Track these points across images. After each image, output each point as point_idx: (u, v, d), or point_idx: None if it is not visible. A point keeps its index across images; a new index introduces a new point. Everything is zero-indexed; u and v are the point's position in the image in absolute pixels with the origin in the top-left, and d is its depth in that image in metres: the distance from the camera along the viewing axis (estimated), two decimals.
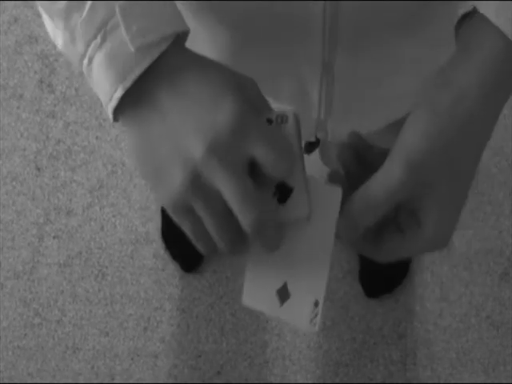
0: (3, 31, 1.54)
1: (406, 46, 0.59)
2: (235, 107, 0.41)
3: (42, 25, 1.54)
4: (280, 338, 1.39)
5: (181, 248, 1.40)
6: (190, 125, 0.41)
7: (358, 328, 1.39)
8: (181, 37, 0.44)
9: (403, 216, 0.46)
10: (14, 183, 1.47)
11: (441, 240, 0.45)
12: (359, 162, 0.49)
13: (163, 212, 1.42)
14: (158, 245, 1.43)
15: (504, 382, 1.37)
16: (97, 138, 1.49)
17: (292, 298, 0.45)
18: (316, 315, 0.46)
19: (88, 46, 0.43)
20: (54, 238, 1.44)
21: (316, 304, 0.46)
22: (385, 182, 0.43)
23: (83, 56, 0.43)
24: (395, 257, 0.46)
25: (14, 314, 1.42)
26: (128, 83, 0.42)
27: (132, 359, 1.39)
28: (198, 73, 0.43)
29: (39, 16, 1.55)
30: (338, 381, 1.37)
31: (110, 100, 0.43)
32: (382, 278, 1.39)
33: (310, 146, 0.82)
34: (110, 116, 0.44)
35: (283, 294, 0.46)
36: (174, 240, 1.41)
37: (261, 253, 0.45)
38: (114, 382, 1.39)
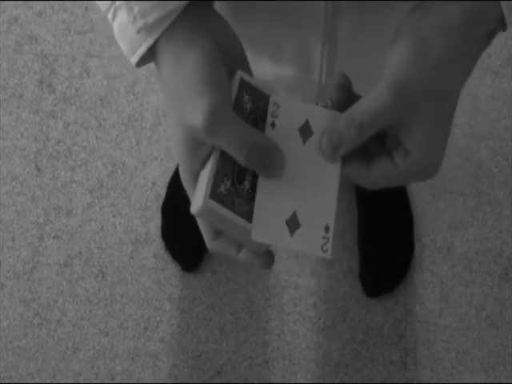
0: (3, 31, 1.54)
1: (407, 9, 0.59)
2: (209, 110, 0.42)
3: (42, 25, 1.54)
4: (280, 338, 1.39)
5: (181, 248, 1.40)
6: (173, 108, 0.45)
7: (358, 328, 1.39)
8: (190, 6, 0.46)
9: (391, 144, 0.46)
10: (13, 183, 1.47)
11: (429, 166, 0.45)
12: (351, 99, 0.49)
13: (163, 212, 1.42)
14: (158, 245, 1.43)
15: (504, 382, 1.37)
16: (97, 138, 1.49)
17: (302, 227, 0.45)
18: (328, 241, 0.45)
19: (107, 13, 0.47)
20: (53, 238, 1.44)
21: (327, 229, 0.45)
22: (371, 103, 0.44)
23: (106, 15, 0.48)
24: (386, 184, 0.46)
25: (14, 314, 1.42)
26: (137, 57, 0.46)
27: (132, 359, 1.39)
28: (186, 61, 0.44)
29: (39, 16, 1.55)
30: (338, 381, 1.37)
31: (131, 56, 0.47)
32: (382, 278, 1.39)
33: None
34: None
35: (293, 224, 0.45)
36: (174, 240, 1.41)
37: (268, 185, 0.45)
38: (114, 382, 1.39)
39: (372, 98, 0.44)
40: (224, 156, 0.44)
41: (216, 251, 0.47)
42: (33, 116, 1.50)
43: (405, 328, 1.39)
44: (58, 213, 1.45)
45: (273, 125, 0.46)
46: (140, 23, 0.45)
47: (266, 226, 0.44)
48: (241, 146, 0.43)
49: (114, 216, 1.45)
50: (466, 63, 0.45)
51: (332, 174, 0.46)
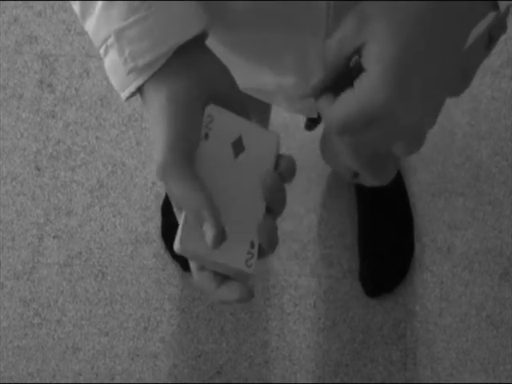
0: (3, 31, 1.54)
1: None
2: (162, 162, 0.44)
3: (42, 25, 1.54)
4: (280, 338, 1.39)
5: None
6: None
7: (358, 328, 1.39)
8: (183, 47, 0.46)
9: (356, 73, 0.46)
10: (13, 183, 1.47)
11: (380, 89, 0.44)
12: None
13: (163, 212, 1.42)
14: (158, 245, 1.43)
15: (504, 382, 1.37)
16: (97, 138, 1.49)
17: (228, 241, 0.46)
18: (252, 256, 0.46)
19: (99, 48, 0.48)
20: (53, 238, 1.44)
21: (252, 245, 0.46)
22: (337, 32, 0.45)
23: (98, 49, 0.48)
24: (342, 114, 0.45)
25: (14, 314, 1.42)
26: (127, 94, 0.47)
27: (132, 359, 1.39)
28: (159, 101, 0.46)
29: (39, 16, 1.55)
30: (338, 381, 1.37)
31: (122, 92, 0.48)
32: (382, 278, 1.39)
33: (311, 123, 0.82)
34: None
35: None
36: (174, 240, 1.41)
37: None
38: (114, 382, 1.39)
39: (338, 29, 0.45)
40: None
41: (198, 284, 0.47)
42: (33, 116, 1.50)
43: (405, 328, 1.39)
44: (58, 213, 1.45)
45: (206, 136, 0.46)
46: (130, 65, 0.45)
47: (193, 237, 0.45)
48: (181, 204, 0.45)
49: (114, 216, 1.45)
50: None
51: (259, 191, 0.47)
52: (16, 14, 1.55)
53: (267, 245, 0.46)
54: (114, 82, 0.48)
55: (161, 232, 1.42)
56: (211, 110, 0.47)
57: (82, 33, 1.54)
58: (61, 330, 1.41)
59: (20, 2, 1.55)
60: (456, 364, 1.38)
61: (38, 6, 1.55)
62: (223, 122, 0.47)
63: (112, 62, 0.47)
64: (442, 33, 0.44)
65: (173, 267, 1.42)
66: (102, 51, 0.47)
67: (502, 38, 1.53)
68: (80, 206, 1.46)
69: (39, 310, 1.42)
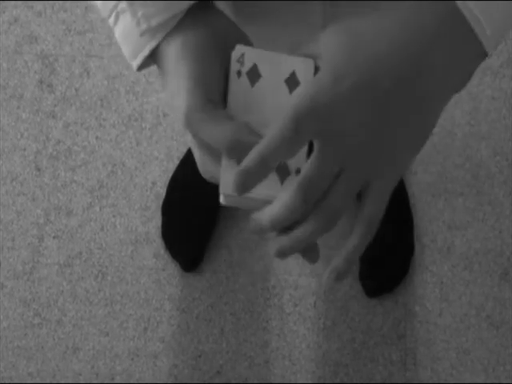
0: (3, 31, 1.54)
1: None
2: (185, 111, 0.44)
3: (42, 25, 1.54)
4: (280, 338, 1.39)
5: (181, 247, 1.40)
6: (170, 100, 0.47)
7: (358, 328, 1.39)
8: (195, 7, 0.46)
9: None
10: (13, 183, 1.47)
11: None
12: None
13: (163, 212, 1.42)
14: (158, 245, 1.43)
15: (504, 382, 1.37)
16: (97, 138, 1.49)
17: (292, 174, 0.45)
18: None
19: (108, 18, 0.48)
20: (53, 238, 1.44)
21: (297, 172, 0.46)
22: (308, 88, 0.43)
23: (107, 20, 0.48)
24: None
25: (14, 314, 1.42)
26: (139, 60, 0.47)
27: (132, 359, 1.39)
28: (180, 60, 0.45)
29: (39, 16, 1.55)
30: (338, 381, 1.37)
31: (134, 59, 0.48)
32: (382, 278, 1.39)
33: None
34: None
35: (283, 171, 0.46)
36: (174, 240, 1.41)
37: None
38: (114, 382, 1.39)
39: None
40: None
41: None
42: (33, 116, 1.50)
43: (405, 328, 1.39)
44: (58, 213, 1.45)
45: (239, 73, 0.46)
46: (144, 26, 0.45)
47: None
48: (219, 142, 0.44)
49: (114, 216, 1.45)
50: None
51: None
52: (16, 14, 1.55)
53: None
54: (126, 48, 0.48)
55: (161, 232, 1.42)
56: (242, 49, 0.46)
57: (82, 33, 1.54)
58: (61, 330, 1.41)
59: (20, 2, 1.55)
60: (456, 364, 1.38)
61: (38, 5, 1.55)
62: (265, 59, 0.46)
63: (124, 28, 0.47)
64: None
65: (173, 267, 1.42)
66: (111, 20, 0.47)
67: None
68: (80, 206, 1.46)
69: (39, 310, 1.42)
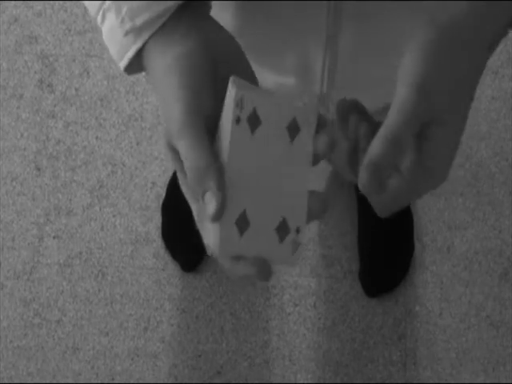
0: (3, 31, 1.54)
1: (407, 19, 0.59)
2: (179, 119, 0.42)
3: (42, 25, 1.54)
4: (280, 338, 1.39)
5: (181, 247, 1.40)
6: (161, 110, 0.45)
7: (358, 328, 1.39)
8: (182, 8, 0.44)
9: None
10: (14, 183, 1.47)
11: (441, 172, 0.44)
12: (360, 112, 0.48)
13: (163, 211, 1.42)
14: (158, 245, 1.43)
15: (504, 382, 1.37)
16: (97, 138, 1.49)
17: (291, 233, 0.44)
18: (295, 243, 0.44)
19: (96, 16, 0.46)
20: (53, 238, 1.44)
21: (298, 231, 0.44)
22: (400, 110, 0.42)
23: (95, 19, 0.47)
24: (393, 201, 0.45)
25: (14, 314, 1.42)
26: (125, 61, 0.45)
27: (132, 359, 1.39)
28: (168, 64, 0.43)
29: (39, 16, 1.55)
30: (338, 381, 1.37)
31: (120, 60, 0.46)
32: (382, 278, 1.39)
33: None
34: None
35: (284, 229, 0.44)
36: (174, 240, 1.41)
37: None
38: (114, 382, 1.39)
39: (398, 104, 0.43)
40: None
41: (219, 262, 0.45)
42: (33, 116, 1.50)
43: (405, 328, 1.39)
44: (58, 213, 1.45)
45: (238, 120, 0.43)
46: (128, 25, 0.43)
47: (230, 238, 0.43)
48: (188, 161, 0.42)
49: (114, 216, 1.45)
50: (479, 59, 0.45)
51: (301, 171, 0.45)
52: (16, 14, 1.55)
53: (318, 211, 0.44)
54: (112, 49, 0.46)
55: (161, 232, 1.42)
56: (240, 91, 0.43)
57: (82, 33, 1.54)
58: (61, 330, 1.41)
59: (20, 2, 1.55)
60: (456, 364, 1.38)
61: (38, 5, 1.55)
62: (265, 103, 0.44)
63: (110, 28, 0.45)
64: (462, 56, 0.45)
65: (173, 267, 1.42)
66: (99, 19, 0.46)
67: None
68: (80, 206, 1.46)
69: (39, 310, 1.42)
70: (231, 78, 0.43)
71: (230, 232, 0.42)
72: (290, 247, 0.44)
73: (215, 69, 0.44)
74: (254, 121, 0.43)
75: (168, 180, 1.44)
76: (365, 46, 0.62)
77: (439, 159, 0.44)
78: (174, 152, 0.44)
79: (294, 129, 0.44)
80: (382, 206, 0.45)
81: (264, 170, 0.43)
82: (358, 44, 0.61)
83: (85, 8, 1.54)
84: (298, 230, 0.44)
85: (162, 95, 0.44)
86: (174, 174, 1.42)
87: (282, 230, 0.44)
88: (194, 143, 0.42)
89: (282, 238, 0.43)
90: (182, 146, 0.42)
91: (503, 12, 0.45)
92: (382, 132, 0.42)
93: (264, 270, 0.43)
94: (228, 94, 0.43)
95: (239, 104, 0.43)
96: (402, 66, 0.43)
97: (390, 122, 0.42)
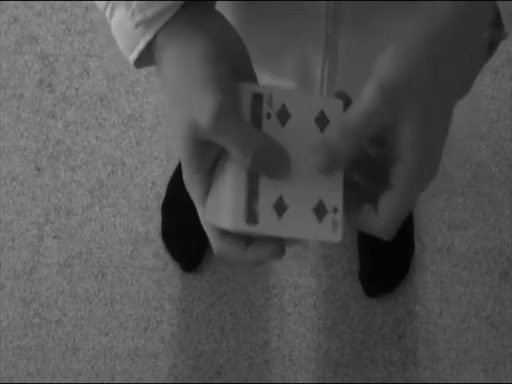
0: (3, 31, 1.54)
1: (407, 19, 0.59)
2: (216, 107, 0.42)
3: (42, 25, 1.54)
4: (280, 338, 1.39)
5: (181, 247, 1.40)
6: (176, 106, 0.44)
7: (358, 328, 1.39)
8: (191, 3, 0.45)
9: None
10: (14, 183, 1.47)
11: (425, 168, 0.44)
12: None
13: (163, 211, 1.42)
14: (158, 245, 1.43)
15: (504, 382, 1.37)
16: (97, 138, 1.49)
17: (329, 213, 0.45)
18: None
19: (104, 10, 0.46)
20: (53, 238, 1.44)
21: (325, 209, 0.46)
22: (360, 105, 0.43)
23: (103, 13, 0.47)
24: (393, 217, 0.45)
25: (14, 314, 1.42)
26: (135, 54, 0.45)
27: (132, 359, 1.39)
28: (189, 58, 0.43)
29: (39, 16, 1.55)
30: (338, 381, 1.37)
31: (130, 53, 0.46)
32: (382, 278, 1.39)
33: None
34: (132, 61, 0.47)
35: (321, 210, 0.45)
36: (174, 240, 1.41)
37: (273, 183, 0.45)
38: (114, 382, 1.39)
39: (361, 99, 0.43)
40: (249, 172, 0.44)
41: (222, 252, 0.45)
42: (33, 116, 1.50)
43: (405, 328, 1.39)
44: (58, 213, 1.45)
45: (269, 116, 0.45)
46: (138, 17, 0.44)
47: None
48: (247, 146, 0.42)
49: (114, 216, 1.45)
50: (458, 66, 0.45)
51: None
52: (16, 14, 1.55)
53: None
54: (122, 42, 0.46)
55: (161, 232, 1.42)
56: (269, 90, 0.45)
57: (82, 33, 1.54)
58: (61, 330, 1.41)
59: (20, 2, 1.55)
60: (456, 364, 1.38)
61: (38, 5, 1.55)
62: (293, 100, 0.45)
63: (119, 21, 0.45)
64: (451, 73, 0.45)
65: (173, 267, 1.42)
66: (107, 13, 0.46)
67: None
68: (80, 206, 1.46)
69: (39, 310, 1.42)
70: (242, 84, 0.44)
71: (269, 215, 0.44)
72: (331, 225, 0.45)
73: (228, 61, 0.45)
74: (284, 115, 0.45)
75: (168, 180, 1.44)
76: (364, 50, 0.62)
77: (417, 157, 0.44)
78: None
79: (322, 120, 0.46)
80: (384, 229, 0.46)
81: (297, 157, 0.45)
82: (358, 45, 0.61)
83: (85, 8, 1.54)
84: (335, 210, 0.45)
85: (175, 87, 0.44)
86: (174, 173, 1.42)
87: (320, 211, 0.45)
88: (244, 126, 0.42)
89: (320, 219, 0.45)
90: (232, 130, 0.42)
91: (484, 14, 0.45)
92: (342, 122, 0.44)
93: (276, 249, 0.44)
94: (243, 96, 0.44)
95: (269, 101, 0.44)
96: (375, 65, 0.44)
97: (350, 115, 0.44)
